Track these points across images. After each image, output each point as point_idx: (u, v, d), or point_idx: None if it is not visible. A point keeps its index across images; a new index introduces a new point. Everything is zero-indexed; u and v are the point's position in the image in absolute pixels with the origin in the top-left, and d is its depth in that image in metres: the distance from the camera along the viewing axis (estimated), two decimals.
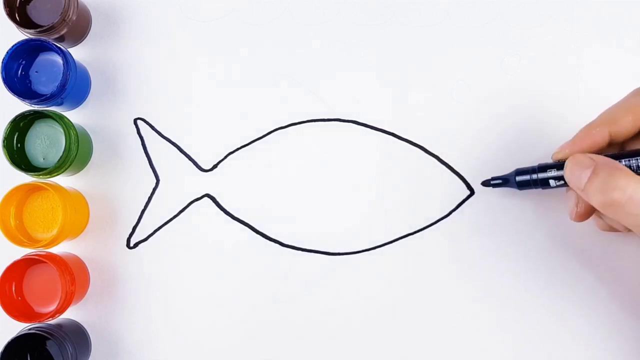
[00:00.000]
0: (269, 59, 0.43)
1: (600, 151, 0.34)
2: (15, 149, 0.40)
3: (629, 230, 0.33)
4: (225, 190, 0.43)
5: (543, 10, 0.43)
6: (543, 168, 0.36)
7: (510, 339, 0.40)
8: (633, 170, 0.32)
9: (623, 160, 0.33)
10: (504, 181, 0.39)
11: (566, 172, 0.34)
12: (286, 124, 0.43)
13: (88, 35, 0.44)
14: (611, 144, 0.33)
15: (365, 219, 0.42)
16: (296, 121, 0.43)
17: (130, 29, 0.44)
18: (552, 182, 0.36)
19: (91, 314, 0.42)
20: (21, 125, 0.40)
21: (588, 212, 0.35)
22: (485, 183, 0.40)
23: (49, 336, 0.38)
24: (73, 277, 0.39)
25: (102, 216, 0.43)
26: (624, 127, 0.32)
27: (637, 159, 0.32)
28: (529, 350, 0.40)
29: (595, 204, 0.31)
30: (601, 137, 0.33)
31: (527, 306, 0.40)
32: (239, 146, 0.43)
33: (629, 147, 0.35)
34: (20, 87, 0.40)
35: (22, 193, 0.40)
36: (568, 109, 0.42)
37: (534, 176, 0.36)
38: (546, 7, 0.43)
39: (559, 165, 0.35)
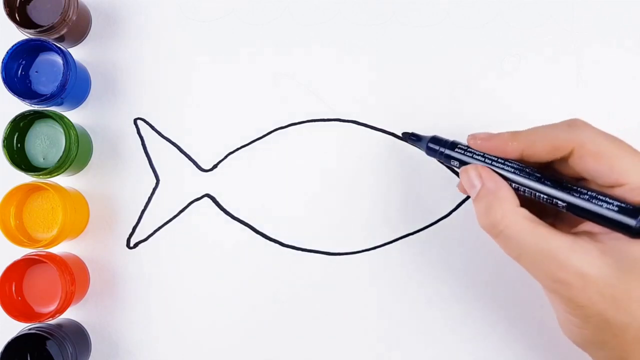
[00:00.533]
0: (269, 59, 0.43)
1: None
2: (15, 149, 0.40)
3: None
4: (225, 190, 0.43)
5: (543, 10, 0.43)
6: (453, 147, 0.35)
7: (512, 338, 0.40)
8: (520, 192, 0.32)
9: (507, 174, 0.32)
10: (417, 139, 0.38)
11: (460, 177, 0.34)
12: (286, 124, 0.43)
13: (88, 35, 0.44)
14: (521, 160, 0.33)
15: (365, 219, 0.42)
16: (296, 121, 0.43)
17: (130, 29, 0.44)
18: (453, 162, 0.35)
19: (91, 314, 0.42)
20: (21, 125, 0.40)
21: None
22: (405, 134, 0.39)
23: (49, 336, 0.38)
24: (73, 277, 0.39)
25: (102, 216, 0.43)
26: (537, 155, 0.32)
27: (513, 178, 0.32)
28: (531, 348, 0.40)
29: (479, 224, 0.32)
30: (513, 152, 0.32)
31: (527, 305, 0.40)
32: (239, 146, 0.43)
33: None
34: (20, 87, 0.40)
35: (22, 193, 0.40)
36: (568, 109, 0.42)
37: (442, 150, 0.36)
38: (546, 7, 0.43)
39: (465, 153, 0.34)
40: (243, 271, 0.42)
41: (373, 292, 0.41)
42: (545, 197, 0.31)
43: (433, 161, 0.42)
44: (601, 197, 0.29)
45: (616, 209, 0.29)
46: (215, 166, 0.43)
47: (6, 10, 0.40)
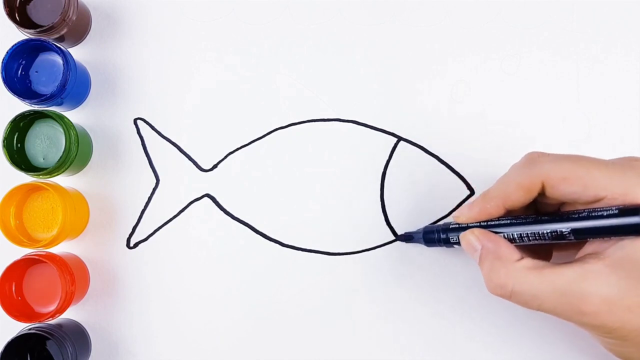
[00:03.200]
0: (269, 59, 0.43)
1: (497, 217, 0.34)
2: (15, 149, 0.40)
3: None
4: (225, 190, 0.43)
5: (543, 10, 0.43)
6: (446, 230, 0.36)
7: (511, 338, 0.40)
8: (513, 240, 0.32)
9: (503, 231, 0.33)
10: (408, 238, 0.40)
11: (462, 247, 0.35)
12: (286, 124, 0.43)
13: (88, 35, 0.44)
14: (509, 212, 0.34)
15: (365, 219, 0.42)
16: (296, 121, 0.43)
17: (130, 29, 0.44)
18: (456, 246, 0.36)
19: (91, 314, 0.42)
20: (21, 125, 0.40)
21: None
22: (400, 238, 0.41)
23: (49, 336, 0.38)
24: (73, 277, 0.39)
25: (102, 216, 0.43)
26: (517, 201, 0.32)
27: (512, 232, 0.33)
28: (531, 349, 0.40)
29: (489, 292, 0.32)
30: (496, 210, 0.33)
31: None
32: (239, 146, 0.43)
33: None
34: (20, 87, 0.40)
35: (22, 193, 0.40)
36: (567, 109, 0.42)
37: (439, 235, 0.37)
38: (546, 7, 0.43)
39: (459, 229, 0.35)
40: (243, 271, 0.42)
41: (372, 292, 0.41)
42: (548, 233, 0.31)
43: (433, 161, 0.42)
44: (599, 210, 0.29)
45: (617, 212, 0.29)
46: (215, 166, 0.43)
47: (6, 10, 0.40)
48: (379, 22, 0.43)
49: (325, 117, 0.43)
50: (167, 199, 0.43)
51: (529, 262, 0.31)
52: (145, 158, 0.43)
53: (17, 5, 0.41)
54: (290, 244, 0.42)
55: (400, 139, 0.42)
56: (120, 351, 0.42)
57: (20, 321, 0.38)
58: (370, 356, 0.41)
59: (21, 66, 0.41)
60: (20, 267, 0.39)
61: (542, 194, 0.32)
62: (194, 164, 0.43)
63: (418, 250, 0.41)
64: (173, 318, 0.42)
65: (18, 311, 0.39)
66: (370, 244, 0.42)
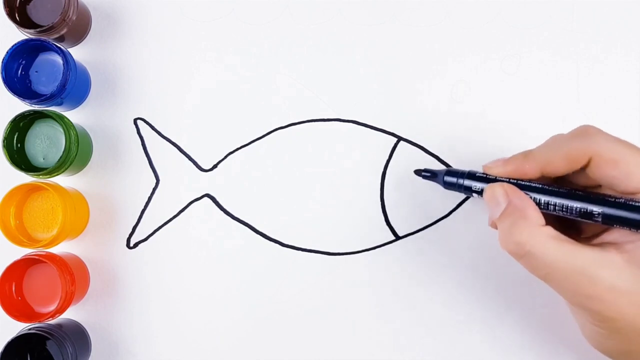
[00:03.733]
0: (269, 59, 0.43)
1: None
2: (15, 149, 0.40)
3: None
4: (225, 190, 0.43)
5: (543, 10, 0.43)
6: (471, 176, 0.35)
7: (512, 338, 0.40)
8: (541, 206, 0.32)
9: (531, 194, 0.32)
10: (433, 175, 0.38)
11: (485, 196, 0.34)
12: (286, 124, 0.43)
13: (88, 35, 0.44)
14: (540, 178, 0.33)
15: (365, 218, 0.42)
16: (296, 121, 0.43)
17: (130, 29, 0.44)
18: (474, 195, 0.35)
19: (91, 314, 0.42)
20: (21, 125, 0.40)
21: None
22: (417, 172, 0.39)
23: (49, 336, 0.38)
24: (73, 277, 0.39)
25: (102, 216, 0.43)
26: (557, 170, 0.32)
27: (541, 198, 0.32)
28: (532, 348, 0.40)
29: (500, 245, 0.32)
30: (532, 171, 0.33)
31: (528, 304, 0.40)
32: (239, 146, 0.43)
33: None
34: (20, 87, 0.40)
35: (22, 193, 0.40)
36: (567, 109, 0.42)
37: (461, 181, 0.36)
38: (546, 7, 0.43)
39: (486, 179, 0.35)
40: (243, 271, 0.42)
41: (373, 292, 0.41)
42: (577, 209, 0.31)
43: (433, 161, 0.42)
44: (638, 201, 0.29)
45: None
46: (215, 166, 0.43)
47: (6, 10, 0.40)
48: (379, 22, 0.43)
49: (325, 117, 0.43)
50: (167, 199, 0.43)
51: (552, 231, 0.30)
52: (145, 158, 0.43)
53: (17, 5, 0.41)
54: (290, 244, 0.42)
55: (400, 139, 0.42)
56: (120, 351, 0.42)
57: (20, 321, 0.38)
58: (370, 356, 0.41)
59: (21, 66, 0.41)
60: (20, 267, 0.39)
61: (580, 170, 0.31)
62: (194, 164, 0.43)
63: (418, 250, 0.41)
64: (173, 318, 0.42)
65: (18, 311, 0.39)
66: (370, 244, 0.42)
